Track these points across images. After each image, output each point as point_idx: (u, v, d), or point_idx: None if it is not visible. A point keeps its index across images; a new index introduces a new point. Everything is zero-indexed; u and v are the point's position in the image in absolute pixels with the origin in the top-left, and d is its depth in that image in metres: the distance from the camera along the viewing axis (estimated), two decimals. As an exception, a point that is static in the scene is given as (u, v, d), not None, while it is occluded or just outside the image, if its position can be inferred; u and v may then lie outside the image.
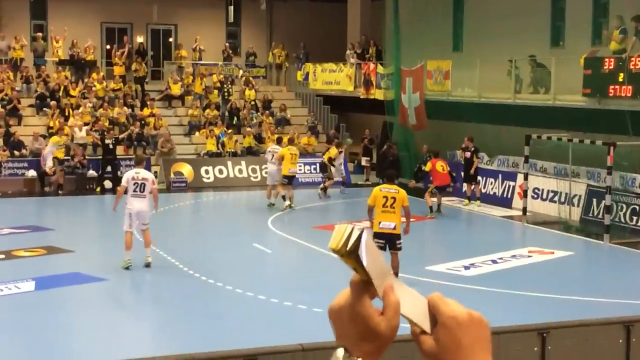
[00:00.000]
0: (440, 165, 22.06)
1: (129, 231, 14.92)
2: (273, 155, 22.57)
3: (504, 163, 25.02)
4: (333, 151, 25.40)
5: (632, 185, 20.40)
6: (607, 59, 19.48)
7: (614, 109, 19.53)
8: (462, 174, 24.25)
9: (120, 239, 14.97)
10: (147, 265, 15.08)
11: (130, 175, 15.02)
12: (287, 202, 22.04)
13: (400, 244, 13.08)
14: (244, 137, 28.75)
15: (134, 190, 14.81)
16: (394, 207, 12.92)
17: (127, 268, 14.87)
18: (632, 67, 18.73)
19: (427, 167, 22.40)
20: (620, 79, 18.95)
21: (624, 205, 19.75)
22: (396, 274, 12.47)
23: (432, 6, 29.35)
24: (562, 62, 21.94)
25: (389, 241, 12.95)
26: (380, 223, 12.98)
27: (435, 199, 22.12)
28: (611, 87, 19.23)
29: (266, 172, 24.22)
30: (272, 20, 38.09)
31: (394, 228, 12.98)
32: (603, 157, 18.77)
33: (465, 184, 24.16)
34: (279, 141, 24.13)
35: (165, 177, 26.35)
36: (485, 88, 24.40)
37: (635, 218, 19.48)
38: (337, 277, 14.62)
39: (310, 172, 27.54)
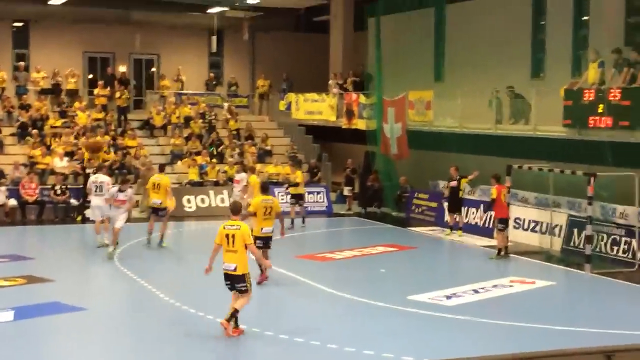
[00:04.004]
0: (504, 195, 20.05)
1: (96, 220, 20.13)
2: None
3: (485, 193, 25.07)
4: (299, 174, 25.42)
5: (612, 216, 20.51)
6: (586, 91, 19.62)
7: (594, 139, 19.66)
8: (446, 204, 24.30)
9: (100, 268, 16.24)
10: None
11: (91, 179, 20.49)
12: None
13: (270, 243, 16.26)
14: (229, 167, 28.78)
15: (95, 191, 20.03)
16: (271, 214, 15.99)
17: (99, 247, 19.77)
18: (611, 98, 18.88)
19: (493, 194, 19.94)
20: (600, 110, 19.09)
21: (605, 235, 19.84)
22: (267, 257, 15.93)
23: (414, 36, 29.54)
24: (542, 93, 22.10)
25: (266, 242, 16.06)
26: (262, 229, 15.93)
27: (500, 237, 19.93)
28: (591, 118, 19.35)
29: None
30: (254, 51, 38.25)
31: (272, 231, 16.14)
32: (583, 188, 18.87)
33: (448, 214, 24.21)
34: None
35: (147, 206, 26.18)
36: (467, 118, 24.52)
37: (616, 248, 19.57)
38: (318, 308, 14.53)
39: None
